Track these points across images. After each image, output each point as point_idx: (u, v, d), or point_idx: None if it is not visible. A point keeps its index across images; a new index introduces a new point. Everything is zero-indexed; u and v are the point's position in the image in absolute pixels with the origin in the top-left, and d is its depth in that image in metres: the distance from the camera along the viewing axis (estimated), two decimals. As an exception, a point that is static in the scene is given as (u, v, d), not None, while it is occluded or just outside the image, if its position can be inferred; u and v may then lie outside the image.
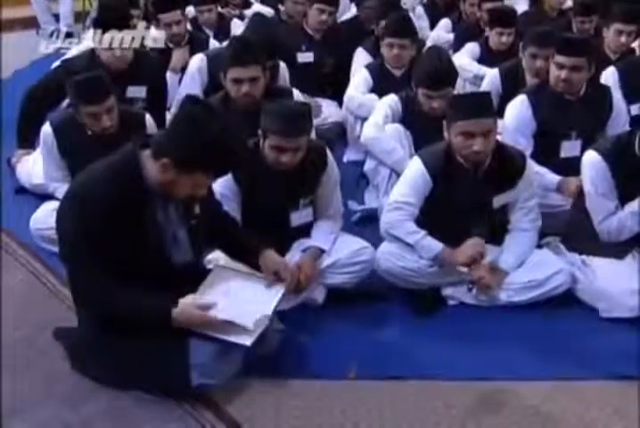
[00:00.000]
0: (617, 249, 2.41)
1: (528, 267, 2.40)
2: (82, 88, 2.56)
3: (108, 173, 1.83)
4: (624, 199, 2.40)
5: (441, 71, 2.80)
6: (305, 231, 2.46)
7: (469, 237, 2.34)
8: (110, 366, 1.96)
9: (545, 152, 2.79)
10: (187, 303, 1.88)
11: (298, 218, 2.43)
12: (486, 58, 3.89)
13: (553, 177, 2.73)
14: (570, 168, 2.62)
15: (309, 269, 2.29)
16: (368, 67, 3.55)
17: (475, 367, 2.10)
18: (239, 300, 1.99)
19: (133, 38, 3.28)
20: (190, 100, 1.89)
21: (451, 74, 2.85)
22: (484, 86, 3.38)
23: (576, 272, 2.40)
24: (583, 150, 2.59)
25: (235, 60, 2.67)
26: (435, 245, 2.37)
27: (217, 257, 2.26)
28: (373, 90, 3.46)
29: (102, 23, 3.19)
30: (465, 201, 2.37)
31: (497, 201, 2.43)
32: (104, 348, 1.95)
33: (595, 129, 2.83)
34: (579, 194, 2.49)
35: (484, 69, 3.74)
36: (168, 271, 1.92)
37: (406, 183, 2.43)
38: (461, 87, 3.51)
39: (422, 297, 2.41)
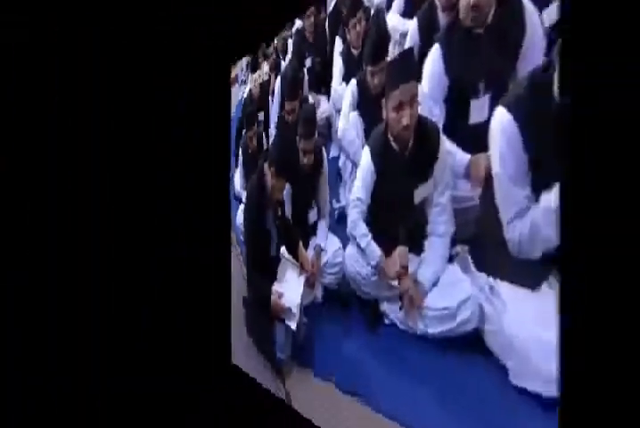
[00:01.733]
0: (530, 271, 1.41)
1: (441, 287, 1.73)
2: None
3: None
4: (540, 184, 1.37)
5: (376, 38, 1.98)
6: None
7: (398, 240, 1.89)
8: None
9: (455, 118, 1.63)
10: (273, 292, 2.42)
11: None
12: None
13: (462, 157, 1.60)
14: (481, 139, 1.53)
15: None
16: None
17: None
18: (290, 287, 2.41)
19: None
20: None
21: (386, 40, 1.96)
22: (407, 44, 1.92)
23: (484, 303, 1.56)
24: (491, 111, 1.47)
25: None
26: (375, 251, 2.00)
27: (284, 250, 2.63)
28: None
29: None
30: (394, 194, 1.90)
31: (418, 194, 1.80)
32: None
33: (506, 70, 1.41)
34: (487, 179, 1.51)
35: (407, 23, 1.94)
36: (267, 262, 2.57)
37: (358, 176, 2.08)
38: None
39: (368, 309, 2.08)
